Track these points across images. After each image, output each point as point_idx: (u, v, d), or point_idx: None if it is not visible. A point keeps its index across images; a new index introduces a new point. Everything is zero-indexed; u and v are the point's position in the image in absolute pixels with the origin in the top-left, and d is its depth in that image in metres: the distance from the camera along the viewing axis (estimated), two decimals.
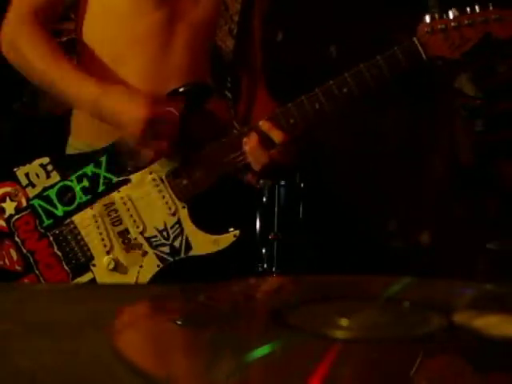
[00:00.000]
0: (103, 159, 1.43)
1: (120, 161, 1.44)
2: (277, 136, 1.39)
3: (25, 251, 1.43)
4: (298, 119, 1.40)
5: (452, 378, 0.57)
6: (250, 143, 1.40)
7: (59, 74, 1.39)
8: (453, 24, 1.36)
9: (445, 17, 1.37)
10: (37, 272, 1.43)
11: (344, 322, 0.66)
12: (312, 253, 3.40)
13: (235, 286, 0.90)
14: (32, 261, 1.43)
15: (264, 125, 1.41)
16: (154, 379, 0.54)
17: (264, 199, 3.21)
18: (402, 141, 4.01)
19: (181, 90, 1.44)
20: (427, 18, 1.38)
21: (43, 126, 1.45)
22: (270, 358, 0.59)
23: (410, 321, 0.69)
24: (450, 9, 1.36)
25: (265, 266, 3.21)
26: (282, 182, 3.26)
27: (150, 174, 1.44)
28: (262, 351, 0.60)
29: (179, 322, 0.78)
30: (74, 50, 1.57)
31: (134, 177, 1.44)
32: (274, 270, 3.21)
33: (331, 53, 3.95)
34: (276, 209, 3.21)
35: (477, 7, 1.34)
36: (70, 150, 1.52)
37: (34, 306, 0.85)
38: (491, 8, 1.34)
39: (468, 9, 1.35)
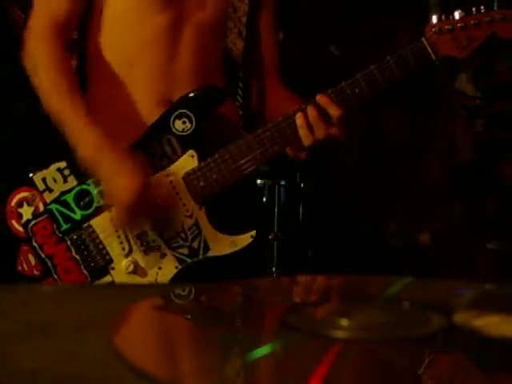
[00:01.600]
0: None
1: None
2: (335, 110, 1.40)
3: (43, 256, 1.43)
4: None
5: (457, 377, 0.57)
6: (309, 115, 1.40)
7: (70, 118, 1.38)
8: (459, 24, 1.39)
9: (451, 17, 1.40)
10: (55, 276, 1.43)
11: (344, 321, 0.66)
12: (312, 253, 3.40)
13: (236, 286, 0.90)
14: (50, 265, 1.43)
15: (322, 99, 1.41)
16: (154, 379, 0.54)
17: (264, 199, 3.21)
18: (403, 140, 4.01)
19: (195, 92, 1.45)
20: (434, 19, 1.40)
21: (56, 129, 1.44)
22: (270, 357, 0.59)
23: (410, 321, 0.69)
24: (455, 9, 1.39)
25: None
26: (282, 182, 3.27)
27: (167, 176, 1.44)
28: (262, 351, 0.60)
29: (180, 322, 0.78)
30: (76, 50, 1.57)
31: (150, 179, 1.44)
32: (274, 270, 3.21)
33: (332, 52, 3.95)
34: (276, 209, 3.21)
35: (482, 8, 1.37)
36: None
37: (34, 306, 0.85)
38: (496, 8, 1.36)
39: (474, 9, 1.37)
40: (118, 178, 1.35)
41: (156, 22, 1.45)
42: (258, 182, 3.18)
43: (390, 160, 3.94)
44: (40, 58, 1.42)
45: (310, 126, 1.41)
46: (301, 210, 3.36)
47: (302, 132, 1.41)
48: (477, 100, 3.73)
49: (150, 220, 1.42)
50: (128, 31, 1.46)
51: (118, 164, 1.36)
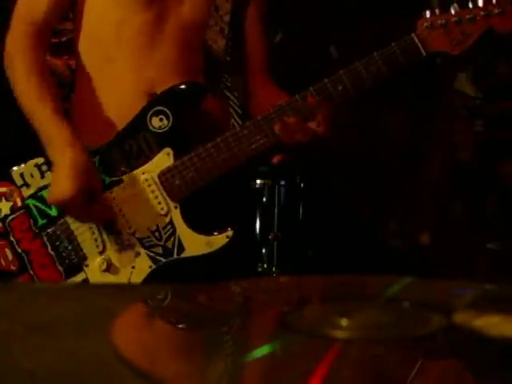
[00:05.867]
0: (96, 160, 1.43)
1: (113, 161, 1.44)
2: (318, 110, 1.39)
3: (19, 251, 1.44)
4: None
5: (452, 379, 0.57)
6: (288, 122, 1.39)
7: (40, 114, 1.40)
8: (454, 19, 1.33)
9: (446, 12, 1.35)
10: (31, 272, 1.43)
11: (344, 321, 0.66)
12: (312, 253, 3.40)
13: (234, 286, 0.90)
14: (26, 261, 1.43)
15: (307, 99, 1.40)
16: (153, 379, 0.54)
17: (264, 199, 3.20)
18: (402, 140, 4.01)
19: (172, 89, 1.44)
20: (427, 13, 1.36)
21: None
22: (270, 358, 0.59)
23: (410, 321, 0.69)
24: (452, 5, 1.35)
25: (265, 266, 3.21)
26: (282, 182, 3.26)
27: (143, 174, 1.43)
28: (261, 351, 0.60)
29: (179, 322, 0.78)
30: (71, 50, 1.57)
31: (126, 177, 1.44)
32: (273, 269, 3.21)
33: (331, 53, 3.95)
34: (276, 209, 3.21)
35: (479, 1, 1.32)
36: None
37: (33, 306, 0.85)
38: (494, 2, 1.31)
39: (470, 3, 1.32)
40: (61, 180, 1.36)
41: (137, 19, 1.45)
42: (258, 182, 3.18)
43: (389, 160, 3.93)
44: (17, 54, 1.43)
45: (289, 131, 1.40)
46: (301, 210, 3.35)
47: (283, 136, 1.40)
48: (477, 100, 3.73)
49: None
50: (108, 27, 1.46)
51: (66, 168, 1.36)
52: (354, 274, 0.87)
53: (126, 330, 0.69)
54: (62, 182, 1.35)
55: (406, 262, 3.60)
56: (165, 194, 1.43)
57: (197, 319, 0.77)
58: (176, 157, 1.43)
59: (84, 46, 1.49)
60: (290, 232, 3.27)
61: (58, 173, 1.37)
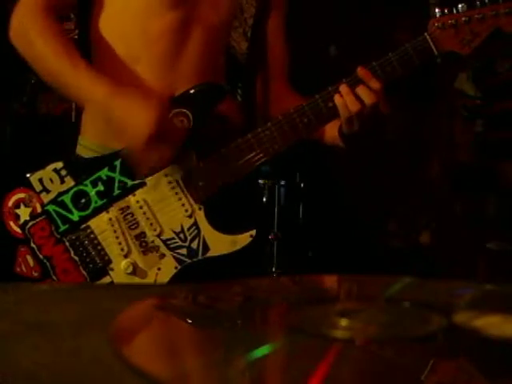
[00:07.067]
0: (117, 163, 1.42)
1: (135, 164, 1.44)
2: (375, 83, 1.39)
3: (41, 257, 1.43)
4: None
5: (461, 380, 0.57)
6: (355, 88, 1.39)
7: (72, 71, 1.36)
8: (463, 18, 1.35)
9: (455, 11, 1.36)
10: (54, 278, 1.43)
11: (344, 321, 0.66)
12: (312, 253, 3.40)
13: (235, 286, 0.90)
14: (49, 266, 1.43)
15: (361, 72, 1.40)
16: (154, 379, 0.54)
17: (264, 199, 3.21)
18: (403, 140, 4.01)
19: (193, 90, 1.44)
20: (437, 13, 1.37)
21: (53, 129, 1.43)
22: (270, 357, 0.59)
23: (410, 321, 0.69)
24: (459, 3, 1.36)
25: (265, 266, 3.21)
26: (282, 182, 3.26)
27: (166, 176, 1.43)
28: (262, 351, 0.60)
29: (179, 322, 0.78)
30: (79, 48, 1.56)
31: (149, 179, 1.43)
32: (273, 269, 3.21)
33: (331, 52, 3.95)
34: (276, 209, 3.21)
35: (487, 1, 1.33)
36: (80, 150, 1.51)
37: (33, 306, 0.85)
38: (501, 2, 1.33)
39: (478, 3, 1.34)
40: (134, 116, 1.33)
41: (164, 19, 1.44)
42: (258, 182, 3.18)
43: (390, 160, 3.93)
44: (31, 26, 1.38)
45: (355, 95, 1.39)
46: (301, 210, 3.36)
47: (349, 99, 1.39)
48: (477, 100, 3.73)
49: (170, 153, 1.40)
50: (134, 25, 1.45)
51: (131, 103, 1.34)
52: (354, 274, 0.87)
53: (126, 330, 0.69)
54: (137, 118, 1.31)
55: (406, 262, 3.61)
56: (188, 195, 1.43)
57: (197, 319, 0.77)
58: (198, 158, 1.43)
59: (105, 41, 1.46)
60: (290, 232, 3.27)
61: (125, 115, 1.33)
